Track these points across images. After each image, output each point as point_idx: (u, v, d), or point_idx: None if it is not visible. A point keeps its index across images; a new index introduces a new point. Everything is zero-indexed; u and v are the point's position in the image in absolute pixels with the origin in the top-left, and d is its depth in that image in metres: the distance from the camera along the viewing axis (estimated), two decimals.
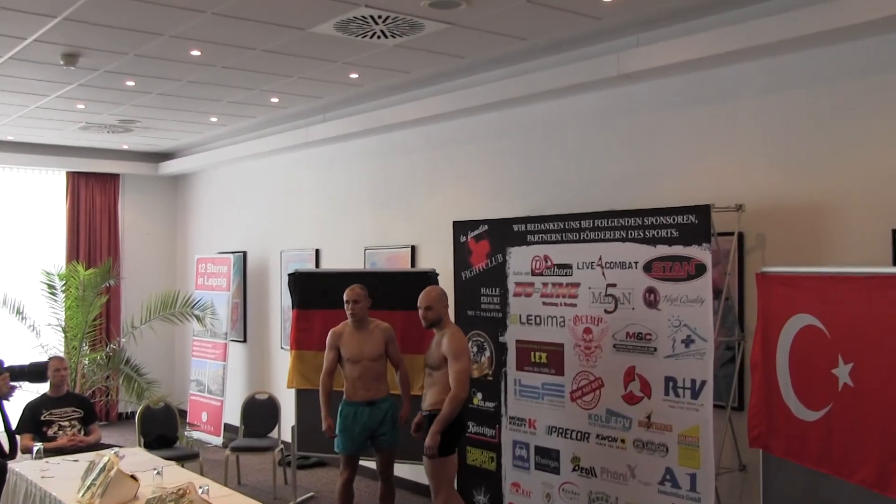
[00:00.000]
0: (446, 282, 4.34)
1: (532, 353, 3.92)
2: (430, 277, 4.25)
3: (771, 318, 3.04)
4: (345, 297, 3.73)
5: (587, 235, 3.70)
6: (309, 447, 4.70)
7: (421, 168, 5.06)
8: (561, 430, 3.81)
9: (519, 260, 4.00)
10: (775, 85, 3.30)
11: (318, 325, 4.48)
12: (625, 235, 3.54)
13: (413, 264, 5.06)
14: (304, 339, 4.61)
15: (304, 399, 4.60)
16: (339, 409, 3.76)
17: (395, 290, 4.09)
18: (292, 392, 4.76)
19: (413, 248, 5.06)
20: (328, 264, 5.79)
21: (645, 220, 3.48)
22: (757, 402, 3.10)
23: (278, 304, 6.36)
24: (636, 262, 3.50)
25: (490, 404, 4.08)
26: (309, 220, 6.03)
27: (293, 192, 6.23)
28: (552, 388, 3.85)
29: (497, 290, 4.15)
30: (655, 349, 3.44)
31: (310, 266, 5.84)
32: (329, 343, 3.80)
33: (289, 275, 4.76)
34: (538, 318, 3.91)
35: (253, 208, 6.71)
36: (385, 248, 5.23)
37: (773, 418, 2.99)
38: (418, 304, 3.60)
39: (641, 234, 3.49)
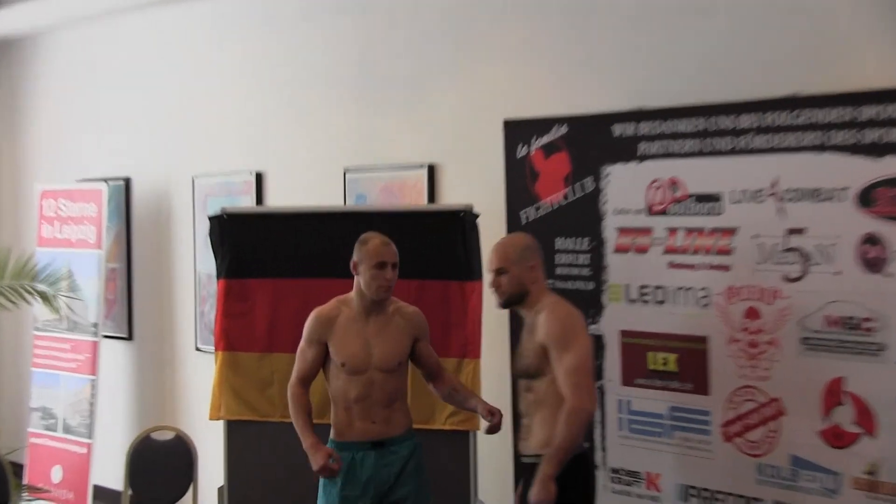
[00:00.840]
0: (492, 228, 4.11)
1: (650, 355, 3.79)
2: (462, 220, 4.01)
3: None
4: (368, 252, 3.35)
5: (750, 143, 3.50)
6: None
7: (443, 31, 4.79)
8: (707, 495, 3.65)
9: (624, 188, 3.84)
10: None
11: (265, 307, 4.29)
12: (823, 141, 3.35)
13: (431, 198, 4.74)
14: (240, 333, 4.34)
15: (241, 437, 4.40)
16: None
17: (402, 243, 3.60)
18: (218, 427, 4.49)
19: (430, 170, 4.76)
20: (279, 199, 5.47)
21: (859, 111, 3.29)
22: None
23: (190, 272, 6.05)
24: (844, 190, 3.30)
25: None
26: (243, 126, 5.76)
27: (214, 76, 5.93)
28: (689, 418, 3.72)
29: (584, 241, 3.98)
30: (882, 348, 3.23)
31: (247, 202, 5.56)
32: (311, 334, 3.44)
33: (210, 219, 4.45)
34: (660, 292, 3.76)
35: (141, 104, 6.37)
36: (380, 171, 4.99)
37: None
38: (488, 266, 3.29)
39: (854, 138, 3.30)
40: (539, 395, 3.23)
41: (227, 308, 4.32)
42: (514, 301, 3.33)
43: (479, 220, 4.10)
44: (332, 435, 3.49)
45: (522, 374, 3.30)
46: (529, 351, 3.25)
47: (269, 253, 4.35)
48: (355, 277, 3.46)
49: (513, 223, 4.17)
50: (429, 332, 3.60)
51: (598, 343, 3.89)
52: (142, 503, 4.99)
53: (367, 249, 3.44)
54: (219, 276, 4.39)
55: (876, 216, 3.22)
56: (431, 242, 3.92)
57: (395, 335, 3.48)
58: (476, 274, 3.97)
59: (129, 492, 4.95)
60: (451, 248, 3.97)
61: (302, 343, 3.51)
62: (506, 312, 3.89)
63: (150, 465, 4.95)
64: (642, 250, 3.79)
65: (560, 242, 4.05)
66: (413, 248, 3.85)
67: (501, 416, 3.39)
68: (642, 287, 3.80)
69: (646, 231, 3.77)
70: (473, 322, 3.94)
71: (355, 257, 3.46)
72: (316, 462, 3.29)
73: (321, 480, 3.48)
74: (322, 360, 3.47)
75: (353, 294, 3.48)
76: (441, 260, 3.93)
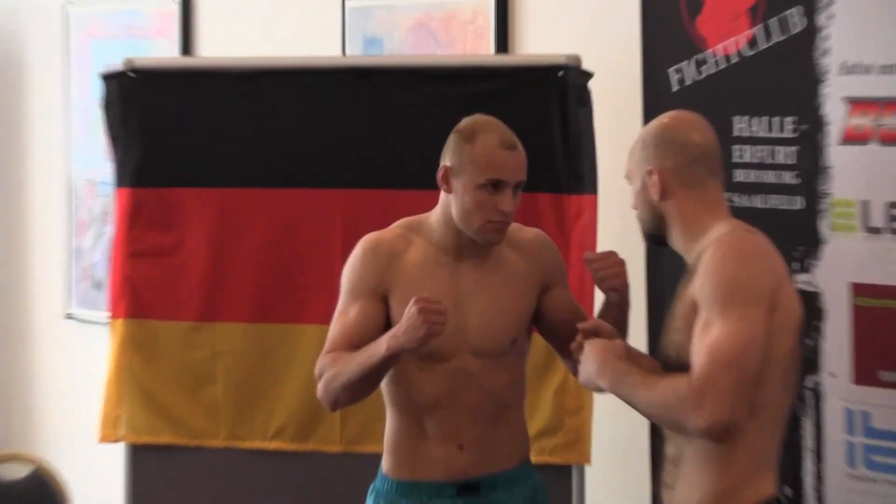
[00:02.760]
0: (618, 98, 3.83)
1: None
2: (562, 83, 3.65)
3: None
4: (476, 157, 3.06)
5: None
6: None
7: None
8: None
9: (865, 25, 3.38)
10: None
11: (203, 240, 3.94)
12: None
13: (502, 44, 4.23)
14: (156, 286, 4.00)
15: (154, 474, 4.03)
16: None
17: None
18: (113, 456, 4.07)
19: None
20: (225, 45, 4.87)
21: None
22: None
23: (59, 176, 5.52)
24: None
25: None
26: None
27: None
28: None
29: (787, 122, 3.51)
30: None
31: (166, 50, 5.05)
32: (359, 279, 3.12)
33: (104, 79, 4.00)
34: None
35: None
36: None
37: None
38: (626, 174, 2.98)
39: None
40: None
41: (134, 241, 3.94)
42: (653, 233, 2.82)
43: (594, 85, 3.67)
44: (384, 469, 3.04)
45: (672, 362, 2.75)
46: (682, 320, 2.70)
47: (210, 142, 3.95)
48: (443, 195, 3.02)
49: (654, 91, 3.69)
50: (566, 272, 3.21)
51: (811, 307, 3.25)
52: None
53: (475, 152, 2.96)
54: (118, 182, 3.97)
55: None
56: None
57: (508, 290, 3.09)
58: (585, 181, 3.58)
59: None
60: (542, 135, 3.53)
61: (341, 300, 3.08)
62: (639, 255, 3.50)
63: None
64: (894, 139, 3.23)
65: (741, 125, 3.55)
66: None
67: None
68: (894, 205, 3.23)
69: None
70: (580, 266, 3.46)
71: (449, 160, 2.99)
72: (415, 330, 2.86)
73: None
74: (375, 327, 3.01)
75: (433, 219, 3.04)
76: (527, 157, 3.30)
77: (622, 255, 3.08)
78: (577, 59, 3.60)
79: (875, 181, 3.25)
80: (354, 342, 2.97)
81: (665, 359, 2.77)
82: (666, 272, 3.41)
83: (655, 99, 3.62)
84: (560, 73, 3.59)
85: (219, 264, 3.88)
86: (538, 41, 4.17)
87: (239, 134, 3.87)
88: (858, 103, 3.28)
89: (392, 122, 3.74)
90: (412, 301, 2.83)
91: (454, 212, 2.94)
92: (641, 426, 3.44)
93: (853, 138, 3.28)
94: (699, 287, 2.62)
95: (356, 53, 4.49)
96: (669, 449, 2.73)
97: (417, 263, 3.04)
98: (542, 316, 3.09)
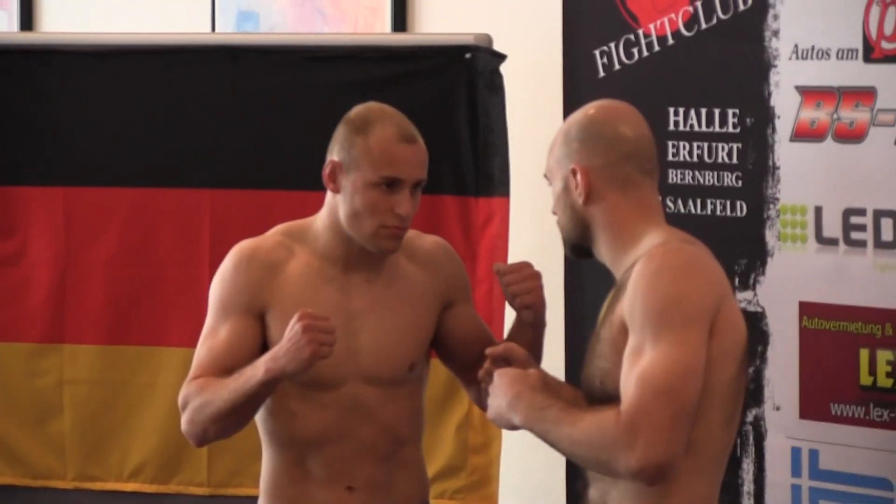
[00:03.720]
0: (536, 86, 3.81)
1: (864, 357, 3.26)
2: (470, 67, 3.61)
3: None
4: (370, 150, 2.88)
5: None
6: None
7: None
8: None
9: (819, 3, 3.35)
10: None
11: (48, 246, 3.83)
12: None
13: (400, 22, 4.16)
14: None
15: None
16: None
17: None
18: None
19: None
20: (72, 19, 4.70)
21: None
22: None
23: None
24: None
25: None
26: None
27: None
28: None
29: (729, 114, 3.46)
30: None
31: (3, 24, 4.98)
32: (231, 294, 2.90)
33: None
34: (891, 223, 3.22)
35: None
36: None
37: None
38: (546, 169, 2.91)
39: None
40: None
41: None
42: (575, 243, 2.61)
43: (507, 69, 3.53)
44: None
45: (597, 393, 2.55)
46: (609, 344, 2.49)
47: (55, 132, 3.76)
48: (329, 195, 2.84)
49: (577, 77, 3.54)
50: (470, 286, 3.10)
51: (755, 329, 3.12)
52: None
53: (369, 145, 2.84)
54: None
55: None
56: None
57: (405, 308, 2.96)
58: (496, 181, 3.47)
59: None
60: (447, 127, 3.45)
61: (209, 318, 2.89)
62: (557, 267, 3.38)
63: None
64: (852, 136, 3.08)
65: (676, 118, 3.40)
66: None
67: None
68: (850, 213, 3.08)
69: (863, 94, 3.08)
70: (489, 280, 3.47)
71: (337, 155, 2.82)
72: (298, 351, 2.70)
73: None
74: (249, 349, 2.84)
75: (318, 224, 2.88)
76: (428, 153, 3.09)
77: (538, 267, 2.84)
78: (488, 39, 3.44)
79: (830, 185, 3.10)
80: (225, 367, 2.74)
81: (589, 388, 2.52)
82: (588, 288, 3.34)
83: (578, 86, 3.45)
84: (467, 56, 3.43)
85: (67, 276, 3.69)
86: (442, 19, 4.03)
87: (89, 124, 3.67)
88: (813, 93, 3.12)
89: (269, 111, 3.56)
90: (295, 317, 2.62)
91: (342, 215, 2.75)
92: (558, 466, 3.32)
93: (806, 134, 3.12)
94: (629, 307, 2.41)
95: (227, 30, 4.29)
96: (593, 493, 2.47)
97: (300, 277, 2.84)
98: (443, 338, 2.90)
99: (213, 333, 2.80)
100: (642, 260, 2.40)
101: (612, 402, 2.38)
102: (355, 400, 2.80)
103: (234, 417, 2.68)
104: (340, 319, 2.74)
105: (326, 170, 2.76)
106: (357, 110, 2.81)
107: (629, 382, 2.31)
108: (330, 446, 2.80)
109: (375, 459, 2.82)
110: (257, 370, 2.65)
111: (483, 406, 2.72)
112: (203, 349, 2.80)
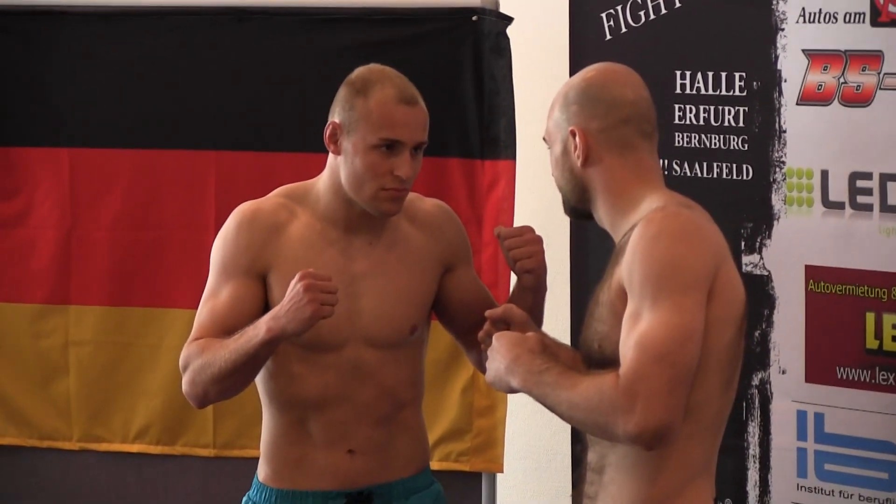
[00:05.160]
0: (542, 50, 3.90)
1: (870, 321, 3.24)
2: (476, 30, 3.63)
3: None
4: (370, 112, 2.88)
5: None
6: None
7: None
8: None
9: None
10: None
11: (53, 208, 3.80)
12: None
13: None
14: None
15: None
16: None
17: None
18: None
19: None
20: None
21: None
22: None
23: None
24: None
25: None
26: None
27: None
28: None
29: (736, 77, 3.47)
30: None
31: None
32: (232, 255, 2.92)
33: None
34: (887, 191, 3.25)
35: None
36: None
37: None
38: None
39: None
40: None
41: None
42: (574, 205, 2.61)
43: (514, 32, 3.53)
44: (261, 477, 2.87)
45: (595, 356, 2.55)
46: (607, 308, 2.50)
47: (60, 94, 3.74)
48: (331, 157, 2.84)
49: (583, 40, 3.52)
50: (470, 250, 3.08)
51: (760, 293, 3.17)
52: None
53: (369, 107, 2.81)
54: None
55: None
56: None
57: (406, 271, 2.96)
58: (502, 145, 3.46)
59: None
60: (452, 90, 3.46)
61: (210, 279, 2.89)
62: (563, 230, 3.42)
63: None
64: (859, 100, 3.07)
65: (683, 81, 3.41)
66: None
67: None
68: (857, 176, 3.09)
69: (870, 57, 3.07)
70: (495, 241, 3.39)
71: (338, 116, 2.81)
72: (300, 310, 2.72)
73: None
74: (250, 311, 2.83)
75: (320, 186, 2.89)
76: (433, 116, 3.06)
77: (546, 231, 2.92)
78: (494, 2, 3.45)
79: (836, 148, 3.08)
80: (226, 328, 2.75)
81: (587, 352, 2.54)
82: (594, 251, 3.29)
83: (585, 49, 3.42)
84: (474, 18, 3.43)
85: (72, 237, 3.67)
86: None
87: (94, 86, 3.63)
88: (819, 56, 3.12)
89: (275, 73, 3.55)
90: (297, 276, 2.63)
91: (343, 177, 2.76)
92: (562, 429, 3.37)
93: (813, 98, 3.12)
94: (627, 271, 2.41)
95: None
96: (591, 456, 2.50)
97: (302, 239, 2.86)
98: (444, 301, 2.93)
99: (215, 295, 2.82)
100: (640, 224, 2.41)
101: (611, 365, 2.40)
102: (356, 362, 2.82)
103: (235, 378, 2.70)
104: (342, 282, 2.76)
105: (327, 131, 2.77)
106: (358, 72, 2.83)
107: (627, 347, 2.34)
108: (330, 409, 2.82)
109: (375, 422, 2.84)
110: (258, 329, 2.68)
111: (483, 369, 2.73)
112: (204, 311, 2.83)
